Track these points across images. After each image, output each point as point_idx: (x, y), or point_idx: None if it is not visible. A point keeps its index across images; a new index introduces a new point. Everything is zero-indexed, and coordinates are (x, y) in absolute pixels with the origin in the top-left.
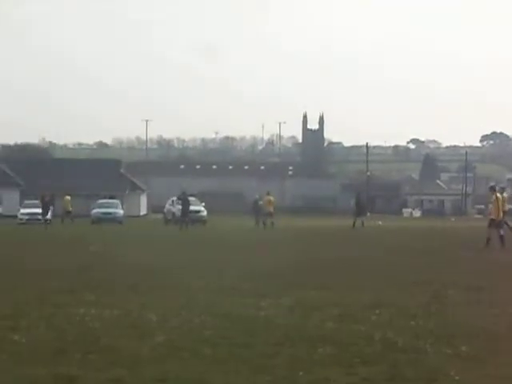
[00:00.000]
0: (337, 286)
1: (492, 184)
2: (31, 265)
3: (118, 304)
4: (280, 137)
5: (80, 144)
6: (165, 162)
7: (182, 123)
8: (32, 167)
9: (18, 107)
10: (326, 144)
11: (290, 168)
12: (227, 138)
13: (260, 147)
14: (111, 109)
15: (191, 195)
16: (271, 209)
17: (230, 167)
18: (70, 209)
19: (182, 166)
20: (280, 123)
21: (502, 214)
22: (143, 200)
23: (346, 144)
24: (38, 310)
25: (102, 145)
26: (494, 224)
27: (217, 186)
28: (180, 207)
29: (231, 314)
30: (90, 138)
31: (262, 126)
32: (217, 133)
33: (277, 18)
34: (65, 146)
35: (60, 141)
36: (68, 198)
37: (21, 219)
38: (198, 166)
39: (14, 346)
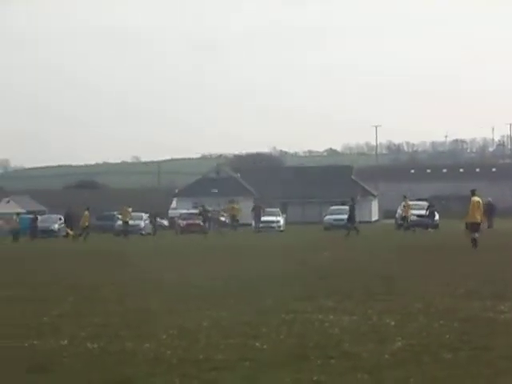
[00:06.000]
0: None
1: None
2: (265, 272)
3: (356, 310)
4: (511, 138)
5: (311, 152)
6: (395, 167)
7: (411, 127)
8: (264, 176)
9: (249, 119)
10: None
11: None
12: (457, 140)
13: (491, 149)
14: (342, 116)
15: (421, 199)
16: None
17: (461, 170)
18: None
19: (413, 171)
20: (510, 124)
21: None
22: (374, 205)
23: None
24: (277, 317)
25: (332, 152)
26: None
27: (448, 189)
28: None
29: (470, 318)
30: (320, 146)
31: (493, 128)
32: (446, 136)
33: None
34: (296, 154)
35: (291, 149)
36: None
37: (256, 227)
38: (428, 170)
39: (256, 353)
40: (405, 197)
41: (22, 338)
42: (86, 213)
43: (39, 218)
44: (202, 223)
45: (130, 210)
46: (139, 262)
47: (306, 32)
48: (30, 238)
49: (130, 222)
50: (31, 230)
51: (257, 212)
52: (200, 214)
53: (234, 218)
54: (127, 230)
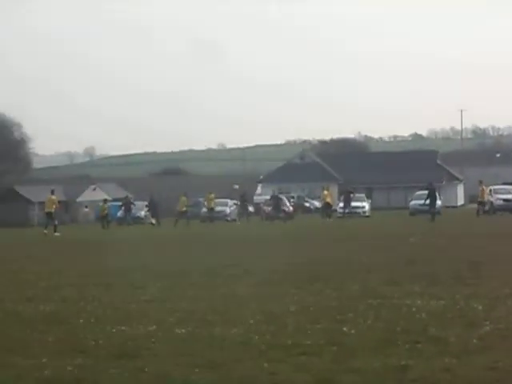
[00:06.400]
0: None
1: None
2: (352, 258)
3: (443, 294)
4: None
5: (395, 136)
6: (480, 151)
7: (496, 111)
8: (349, 161)
9: (334, 104)
10: None
11: None
12: None
13: None
14: (427, 100)
15: (507, 183)
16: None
17: None
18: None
19: (498, 155)
20: None
21: None
22: (460, 190)
23: None
24: (364, 302)
25: (417, 136)
26: None
27: None
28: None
29: None
30: (405, 130)
31: None
32: None
33: None
34: (380, 139)
35: (375, 134)
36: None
37: (340, 213)
38: None
39: (344, 338)
40: (481, 182)
41: (110, 323)
42: (184, 198)
43: (134, 204)
44: (272, 210)
45: (213, 196)
46: (225, 247)
47: (390, 17)
48: (117, 225)
49: (216, 209)
50: (125, 216)
51: (346, 197)
52: (272, 201)
53: (328, 205)
54: (213, 217)
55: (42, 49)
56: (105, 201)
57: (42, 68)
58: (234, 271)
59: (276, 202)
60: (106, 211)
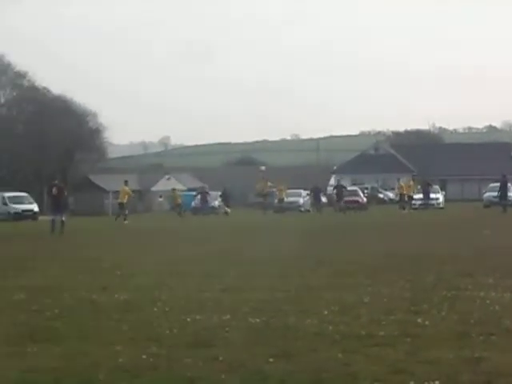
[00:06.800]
0: None
1: None
2: (426, 249)
3: None
4: None
5: (470, 128)
6: None
7: None
8: (423, 153)
9: (407, 95)
10: None
11: None
12: None
13: None
14: (502, 93)
15: None
16: None
17: None
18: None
19: None
20: None
21: None
22: None
23: None
24: (438, 294)
25: (491, 128)
26: None
27: None
28: None
29: None
30: (479, 122)
31: None
32: None
33: None
34: (455, 131)
35: (450, 126)
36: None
37: (414, 204)
38: None
39: (418, 329)
40: None
41: (184, 312)
42: (282, 187)
43: (209, 194)
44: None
45: (283, 187)
46: (299, 238)
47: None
48: (192, 214)
49: (289, 199)
50: (200, 205)
51: (424, 189)
52: (336, 190)
53: (407, 197)
54: (283, 207)
55: (119, 43)
56: (173, 189)
57: (118, 62)
58: (308, 261)
59: (339, 190)
60: (179, 199)
